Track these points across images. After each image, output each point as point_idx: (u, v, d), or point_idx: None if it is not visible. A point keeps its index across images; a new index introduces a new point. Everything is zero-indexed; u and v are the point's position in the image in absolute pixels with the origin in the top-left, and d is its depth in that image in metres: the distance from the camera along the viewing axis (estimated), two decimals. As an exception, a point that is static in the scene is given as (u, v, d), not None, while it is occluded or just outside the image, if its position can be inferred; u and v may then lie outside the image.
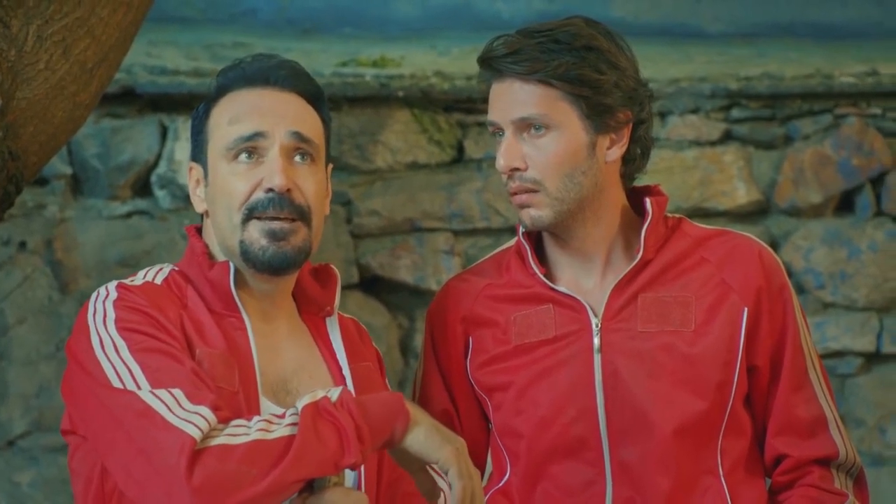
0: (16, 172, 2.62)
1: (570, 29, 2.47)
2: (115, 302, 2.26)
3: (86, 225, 3.93)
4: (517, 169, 2.46)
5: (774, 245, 4.12)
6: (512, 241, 2.63)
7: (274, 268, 2.32)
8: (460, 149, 4.11)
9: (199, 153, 2.39)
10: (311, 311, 2.43)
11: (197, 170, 2.39)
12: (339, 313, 2.45)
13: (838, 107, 4.14)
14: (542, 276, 2.53)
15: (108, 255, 3.93)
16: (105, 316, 2.25)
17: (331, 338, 2.42)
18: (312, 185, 2.34)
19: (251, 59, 2.40)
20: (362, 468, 2.33)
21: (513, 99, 2.46)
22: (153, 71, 3.98)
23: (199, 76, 3.98)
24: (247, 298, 2.36)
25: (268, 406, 2.29)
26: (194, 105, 3.92)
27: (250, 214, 2.31)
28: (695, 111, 4.14)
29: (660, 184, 2.61)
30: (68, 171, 3.94)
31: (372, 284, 4.01)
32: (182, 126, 3.96)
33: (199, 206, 2.38)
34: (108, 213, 3.95)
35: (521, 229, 2.57)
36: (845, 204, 4.18)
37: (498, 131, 2.50)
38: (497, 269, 2.60)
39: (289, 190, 2.30)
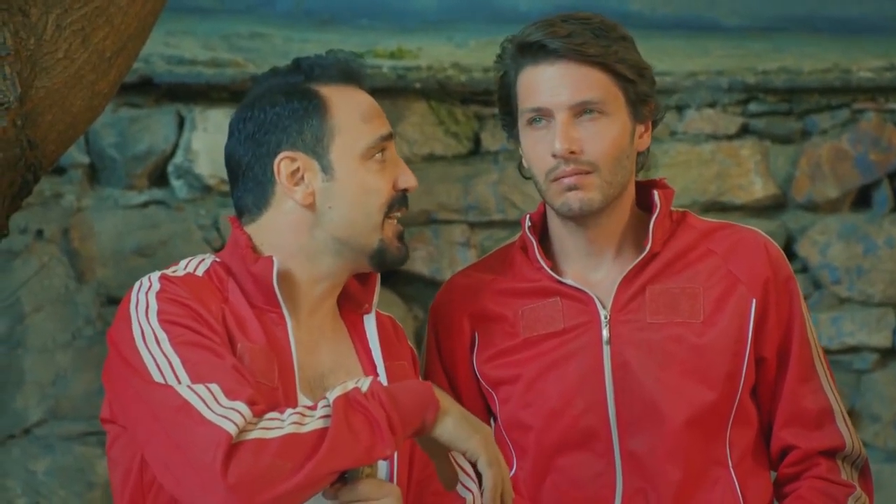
0: (34, 161, 2.62)
1: (601, 20, 2.48)
2: (157, 294, 2.27)
3: (102, 214, 3.94)
4: (573, 153, 2.46)
5: (791, 240, 4.12)
6: (513, 238, 2.63)
7: (397, 266, 2.39)
8: (477, 141, 4.10)
9: (309, 145, 2.35)
10: (349, 307, 2.44)
11: (300, 160, 2.35)
12: (377, 311, 2.46)
13: (856, 101, 4.14)
14: (548, 270, 2.53)
15: (125, 245, 3.93)
16: (147, 307, 2.26)
17: (367, 335, 2.43)
18: None
19: (341, 54, 2.42)
20: (395, 463, 2.34)
21: (569, 82, 2.45)
22: (171, 61, 3.98)
23: (217, 66, 3.98)
24: (290, 294, 2.36)
25: (305, 402, 2.29)
26: (212, 95, 3.98)
27: (388, 213, 2.37)
28: (712, 105, 4.13)
29: (676, 179, 2.61)
30: (86, 160, 3.95)
31: (388, 276, 3.99)
32: (199, 116, 3.96)
33: (306, 198, 2.35)
34: (125, 203, 3.96)
35: (526, 223, 2.56)
36: (862, 199, 4.17)
37: (542, 117, 2.48)
38: (501, 264, 2.60)
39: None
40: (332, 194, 2.35)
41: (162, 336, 2.23)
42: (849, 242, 4.12)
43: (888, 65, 4.16)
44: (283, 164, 2.35)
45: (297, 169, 2.35)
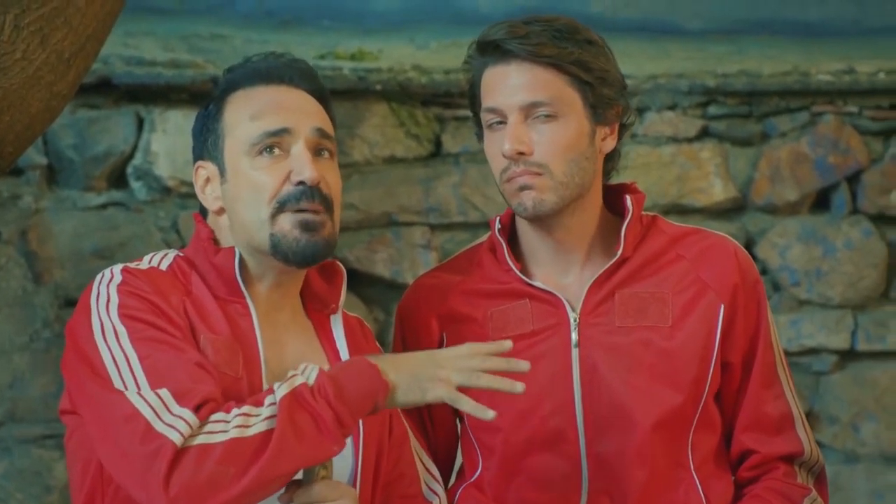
0: (-9, 162, 2.61)
1: (567, 22, 2.48)
2: (118, 286, 2.27)
3: (61, 216, 3.92)
4: (522, 153, 2.46)
5: (750, 242, 4.13)
6: (482, 239, 2.63)
7: (308, 259, 2.33)
8: (438, 143, 4.10)
9: (210, 151, 2.38)
10: (316, 307, 2.44)
11: (207, 168, 2.39)
12: (343, 311, 2.45)
13: (815, 104, 4.15)
14: (517, 272, 2.53)
15: (83, 247, 3.91)
16: (108, 301, 2.26)
17: (334, 336, 2.42)
18: (335, 179, 2.38)
19: (262, 56, 2.42)
20: (360, 464, 2.34)
21: (521, 83, 2.45)
22: (130, 61, 3.96)
23: (176, 67, 3.97)
24: (252, 289, 2.36)
25: None
26: (171, 96, 3.97)
27: (281, 208, 2.32)
28: (672, 108, 4.14)
29: (636, 181, 2.62)
30: (44, 161, 3.93)
31: (348, 278, 3.99)
32: (159, 117, 3.94)
33: (213, 204, 2.38)
34: (84, 204, 3.94)
35: (496, 225, 2.56)
36: (821, 202, 4.19)
37: (498, 118, 2.48)
38: (469, 265, 2.60)
39: (317, 182, 2.32)
40: (228, 196, 2.37)
41: (121, 330, 2.22)
42: (808, 245, 4.13)
43: (847, 68, 4.18)
44: (198, 173, 2.40)
45: (208, 177, 2.39)
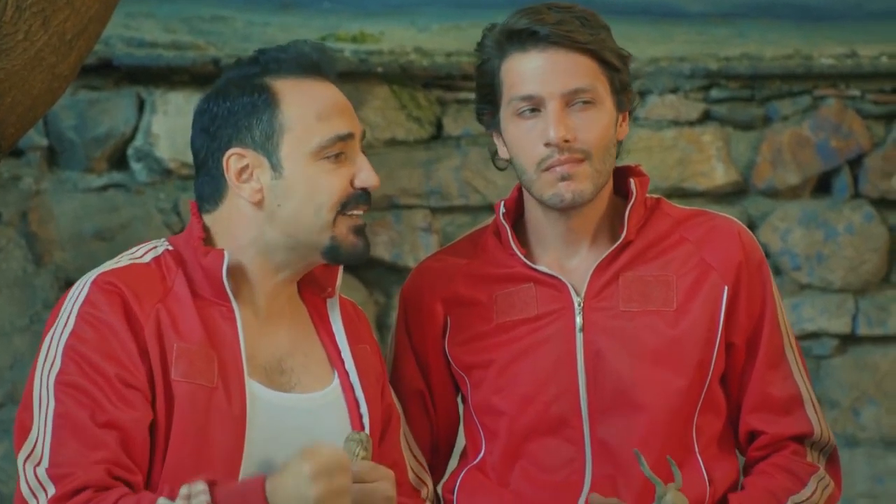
0: (-8, 144, 2.61)
1: (583, 9, 2.48)
2: (80, 308, 2.24)
3: (61, 197, 3.92)
4: (567, 141, 2.45)
5: (752, 226, 4.13)
6: (486, 222, 2.62)
7: (360, 261, 2.36)
8: (439, 126, 4.10)
9: (258, 142, 2.31)
10: (311, 291, 2.42)
11: (248, 157, 2.31)
12: (339, 294, 2.44)
13: (817, 88, 4.15)
14: (522, 257, 2.52)
15: (84, 228, 3.91)
16: (66, 323, 2.24)
17: (331, 319, 2.41)
18: None
19: (298, 43, 2.37)
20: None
21: (561, 69, 2.43)
22: (131, 43, 3.96)
23: (177, 49, 3.96)
24: (244, 285, 2.33)
25: (257, 390, 2.28)
26: (172, 78, 3.97)
27: (342, 211, 2.32)
28: (674, 91, 4.14)
29: (640, 164, 2.62)
30: (44, 142, 3.93)
31: (349, 260, 4.00)
32: (160, 99, 3.94)
33: (254, 195, 2.31)
34: (84, 186, 3.94)
35: (500, 210, 2.55)
36: (823, 185, 4.19)
37: (531, 106, 2.46)
38: (473, 248, 2.59)
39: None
40: (280, 192, 2.31)
41: (57, 365, 2.21)
42: (809, 229, 4.14)
43: (849, 52, 4.18)
44: (232, 160, 2.32)
45: (247, 166, 2.31)
